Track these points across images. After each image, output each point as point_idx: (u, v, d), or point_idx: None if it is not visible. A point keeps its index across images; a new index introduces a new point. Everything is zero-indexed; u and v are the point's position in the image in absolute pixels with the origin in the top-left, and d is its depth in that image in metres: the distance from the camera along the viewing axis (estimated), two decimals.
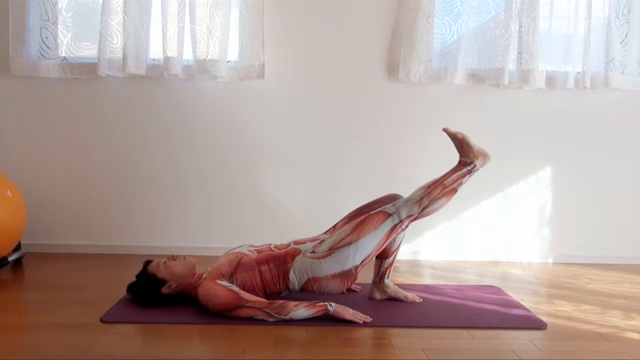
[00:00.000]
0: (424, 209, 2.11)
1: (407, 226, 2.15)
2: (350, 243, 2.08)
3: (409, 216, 2.12)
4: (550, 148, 3.13)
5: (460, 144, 2.17)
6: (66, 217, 3.09)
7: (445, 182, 2.13)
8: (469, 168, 2.16)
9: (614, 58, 2.98)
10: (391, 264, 2.29)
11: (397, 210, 2.11)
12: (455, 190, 2.15)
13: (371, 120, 3.09)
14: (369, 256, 2.11)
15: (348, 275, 2.11)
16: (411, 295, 2.31)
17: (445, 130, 2.18)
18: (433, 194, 2.11)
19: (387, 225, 2.10)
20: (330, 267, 2.09)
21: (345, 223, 2.28)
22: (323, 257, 2.10)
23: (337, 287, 2.13)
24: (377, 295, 2.32)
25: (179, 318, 2.05)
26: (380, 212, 2.12)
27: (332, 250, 2.10)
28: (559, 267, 3.05)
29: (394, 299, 2.31)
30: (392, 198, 2.27)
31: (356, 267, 2.11)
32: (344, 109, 3.09)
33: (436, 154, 3.11)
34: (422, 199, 2.11)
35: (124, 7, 2.84)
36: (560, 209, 3.16)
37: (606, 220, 3.17)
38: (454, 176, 2.15)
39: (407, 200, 2.14)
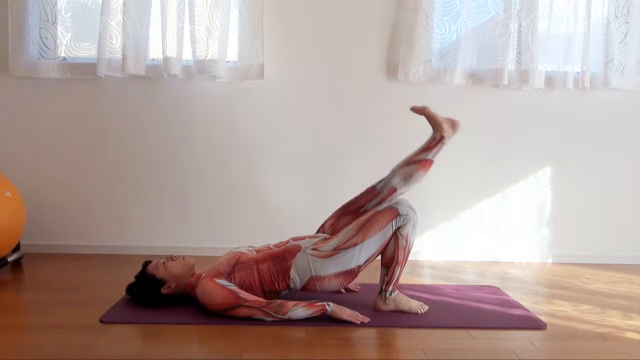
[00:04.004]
0: None
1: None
2: (355, 244, 2.08)
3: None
4: (550, 148, 3.13)
5: (430, 119, 2.23)
6: (65, 217, 3.09)
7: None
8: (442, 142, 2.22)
9: (613, 58, 2.98)
10: (398, 277, 2.20)
11: (407, 213, 2.08)
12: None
13: (370, 121, 3.09)
14: (373, 255, 2.11)
15: (351, 273, 2.11)
16: (415, 306, 2.22)
17: (412, 109, 2.23)
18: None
19: (394, 225, 2.08)
20: (334, 266, 2.09)
21: (333, 222, 2.30)
22: (327, 256, 2.10)
23: (339, 285, 2.14)
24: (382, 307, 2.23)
25: (178, 318, 2.06)
26: (388, 210, 2.09)
27: (337, 250, 2.09)
28: (558, 267, 3.05)
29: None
30: (368, 192, 2.28)
31: (359, 267, 2.11)
32: (344, 109, 3.09)
33: None
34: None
35: (123, 8, 2.84)
36: (560, 209, 3.16)
37: (606, 220, 3.17)
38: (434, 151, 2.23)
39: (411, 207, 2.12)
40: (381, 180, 2.28)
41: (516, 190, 3.15)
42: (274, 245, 2.24)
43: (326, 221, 2.34)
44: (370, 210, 2.16)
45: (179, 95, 3.04)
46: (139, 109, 3.05)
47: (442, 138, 2.20)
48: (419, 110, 2.21)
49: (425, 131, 3.09)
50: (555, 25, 2.99)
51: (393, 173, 2.24)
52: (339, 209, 2.33)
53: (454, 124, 2.22)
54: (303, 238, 2.23)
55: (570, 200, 3.16)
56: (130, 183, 3.08)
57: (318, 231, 2.34)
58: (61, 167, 3.07)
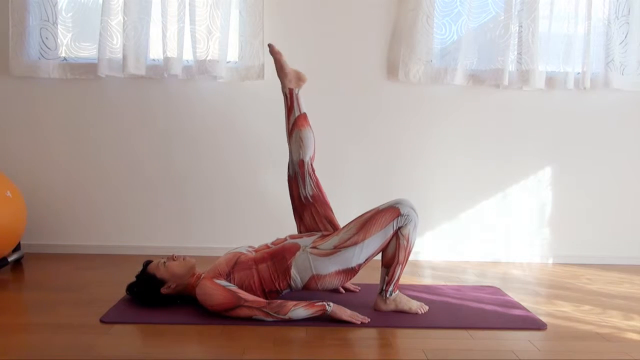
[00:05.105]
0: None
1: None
2: (356, 243, 2.08)
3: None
4: (550, 148, 3.13)
5: (278, 65, 2.29)
6: (66, 217, 3.09)
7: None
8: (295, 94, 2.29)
9: (614, 58, 2.98)
10: (399, 277, 2.20)
11: (408, 214, 2.08)
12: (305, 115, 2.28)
13: (370, 120, 3.09)
14: (373, 254, 2.11)
15: (351, 271, 2.12)
16: (415, 306, 2.22)
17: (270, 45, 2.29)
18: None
19: (395, 224, 2.08)
20: (334, 264, 2.09)
21: (304, 226, 2.32)
22: (328, 255, 2.09)
23: (339, 282, 2.15)
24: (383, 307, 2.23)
25: (178, 318, 2.05)
26: (390, 209, 2.09)
27: (337, 248, 2.09)
28: (558, 268, 3.05)
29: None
30: (289, 182, 2.32)
31: (360, 265, 2.12)
32: (344, 110, 3.09)
33: (436, 154, 3.11)
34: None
35: (123, 8, 2.84)
36: (560, 209, 3.16)
37: (606, 221, 3.17)
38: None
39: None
40: (288, 167, 2.33)
41: (517, 190, 3.15)
42: (272, 243, 2.24)
43: (299, 228, 2.35)
44: (372, 209, 2.15)
45: (179, 96, 3.04)
46: (139, 109, 3.05)
47: (291, 91, 2.27)
48: (274, 53, 2.28)
49: (423, 132, 3.11)
50: (555, 25, 2.98)
51: (290, 152, 2.31)
52: (294, 214, 2.34)
53: (300, 78, 2.30)
54: (301, 236, 2.23)
55: (570, 201, 3.16)
56: (130, 183, 3.08)
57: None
58: (62, 167, 3.07)
